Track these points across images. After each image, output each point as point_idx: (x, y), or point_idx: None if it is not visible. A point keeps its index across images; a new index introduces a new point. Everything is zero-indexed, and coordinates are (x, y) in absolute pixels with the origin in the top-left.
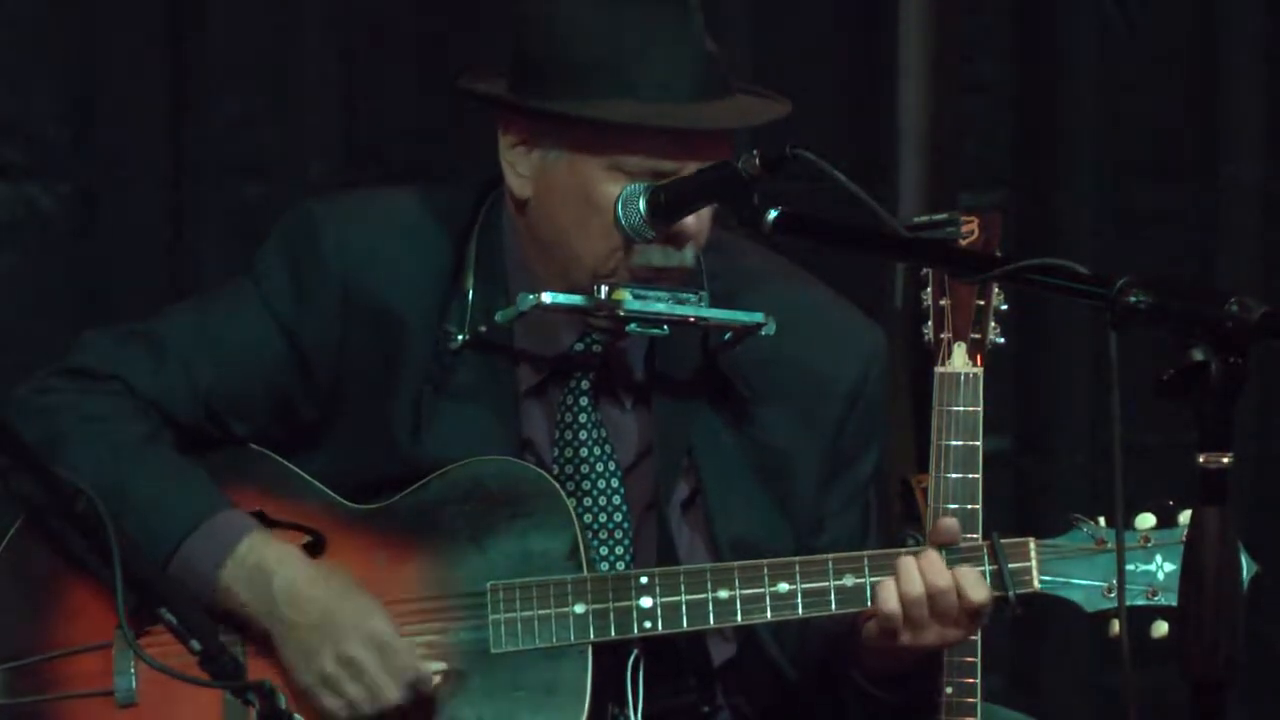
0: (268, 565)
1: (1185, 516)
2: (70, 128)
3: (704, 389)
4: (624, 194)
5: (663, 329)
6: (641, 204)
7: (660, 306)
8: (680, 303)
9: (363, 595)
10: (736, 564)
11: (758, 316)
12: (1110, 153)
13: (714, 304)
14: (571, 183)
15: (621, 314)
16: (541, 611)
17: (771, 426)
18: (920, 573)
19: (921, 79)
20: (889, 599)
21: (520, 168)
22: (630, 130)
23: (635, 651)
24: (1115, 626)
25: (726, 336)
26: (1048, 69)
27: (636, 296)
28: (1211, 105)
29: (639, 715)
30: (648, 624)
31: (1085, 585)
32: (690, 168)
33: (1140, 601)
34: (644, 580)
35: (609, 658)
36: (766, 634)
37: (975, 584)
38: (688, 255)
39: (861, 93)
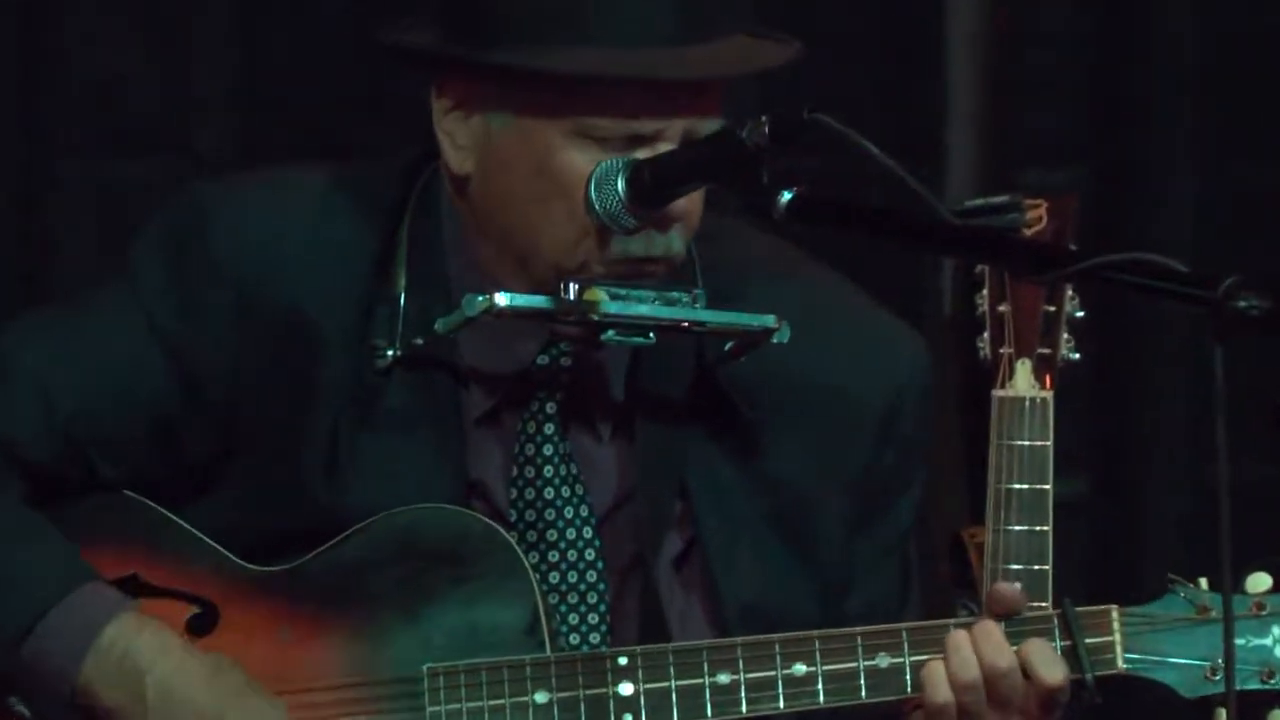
0: (139, 660)
1: None
2: None
3: (700, 414)
4: (597, 172)
5: (648, 337)
6: (620, 184)
7: (644, 309)
8: (669, 303)
9: (259, 696)
10: (740, 640)
11: (768, 320)
12: (1213, 122)
13: (711, 305)
14: (524, 154)
15: (596, 318)
16: (493, 701)
17: (785, 460)
18: (975, 650)
19: (977, 34)
20: (938, 685)
21: (459, 138)
22: (594, 84)
23: None
24: (1222, 716)
25: (728, 346)
26: (1134, 18)
27: (614, 297)
28: None
29: None
30: (628, 717)
31: (1183, 664)
32: (676, 127)
33: (1253, 685)
34: (623, 661)
35: None
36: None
37: (1048, 661)
38: (675, 241)
39: (904, 49)
